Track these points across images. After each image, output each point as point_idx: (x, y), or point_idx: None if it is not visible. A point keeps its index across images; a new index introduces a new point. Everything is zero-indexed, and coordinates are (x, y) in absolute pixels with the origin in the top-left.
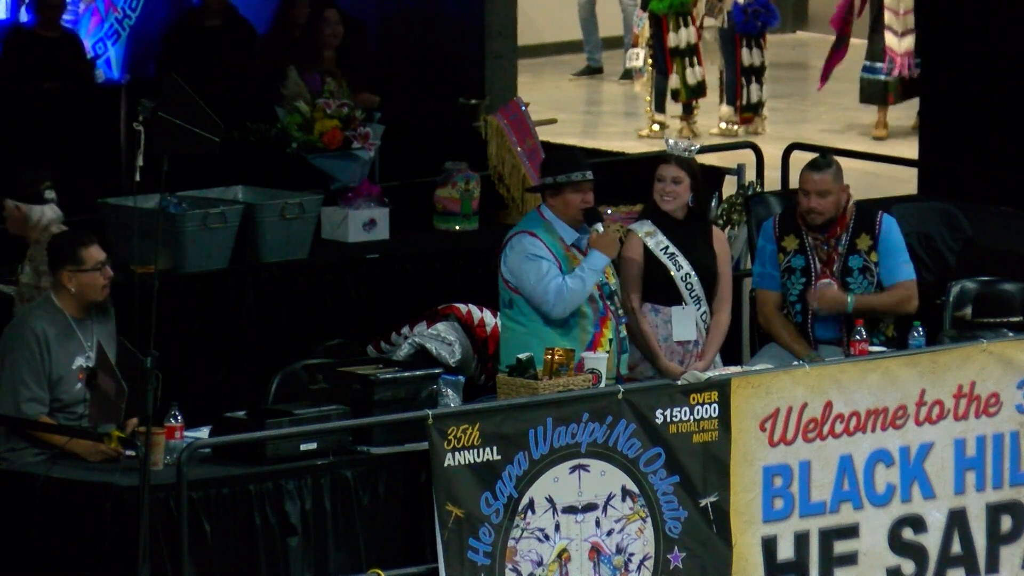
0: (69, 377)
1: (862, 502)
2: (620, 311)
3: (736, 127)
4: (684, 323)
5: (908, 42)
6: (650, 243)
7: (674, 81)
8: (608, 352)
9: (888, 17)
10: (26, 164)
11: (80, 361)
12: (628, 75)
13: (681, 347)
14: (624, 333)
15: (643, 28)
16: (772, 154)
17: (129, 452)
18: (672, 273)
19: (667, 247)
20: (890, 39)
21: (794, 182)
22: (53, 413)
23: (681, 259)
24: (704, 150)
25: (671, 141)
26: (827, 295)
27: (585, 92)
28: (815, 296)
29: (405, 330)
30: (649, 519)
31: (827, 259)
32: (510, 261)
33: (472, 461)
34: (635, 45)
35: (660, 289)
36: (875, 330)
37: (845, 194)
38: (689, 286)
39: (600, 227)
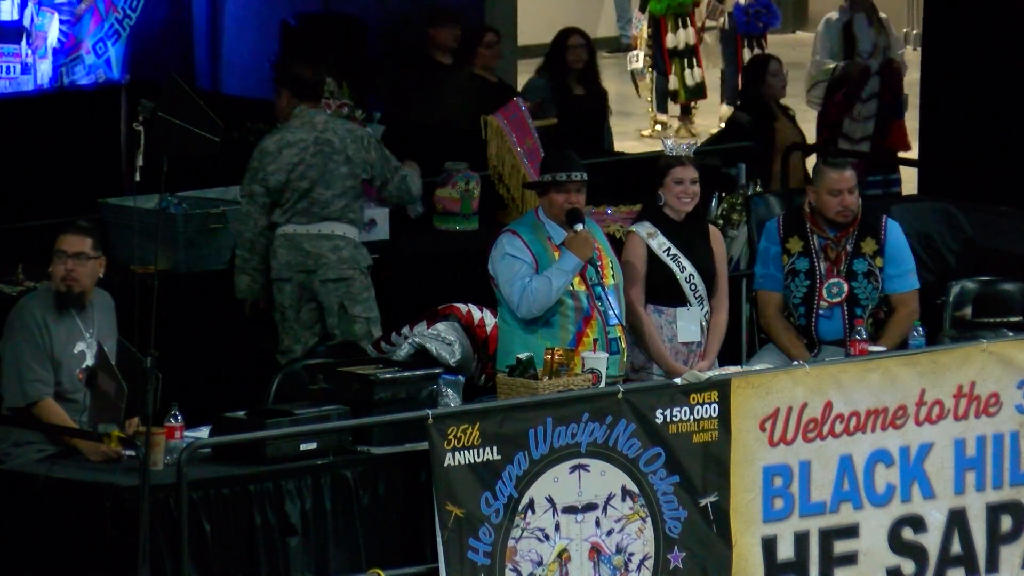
0: (70, 362)
1: (862, 502)
2: (610, 312)
3: None
4: (689, 324)
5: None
6: (652, 244)
7: (673, 82)
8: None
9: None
10: None
11: (81, 346)
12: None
13: (685, 348)
14: (615, 334)
15: (642, 29)
16: None
17: (129, 452)
18: (676, 275)
19: (669, 248)
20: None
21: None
22: (56, 399)
23: (684, 260)
24: (704, 150)
25: (669, 142)
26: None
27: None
28: None
29: (405, 330)
30: (649, 519)
31: (836, 258)
32: (492, 260)
33: (472, 461)
34: (634, 47)
35: (663, 290)
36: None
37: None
38: (693, 287)
39: (579, 227)
